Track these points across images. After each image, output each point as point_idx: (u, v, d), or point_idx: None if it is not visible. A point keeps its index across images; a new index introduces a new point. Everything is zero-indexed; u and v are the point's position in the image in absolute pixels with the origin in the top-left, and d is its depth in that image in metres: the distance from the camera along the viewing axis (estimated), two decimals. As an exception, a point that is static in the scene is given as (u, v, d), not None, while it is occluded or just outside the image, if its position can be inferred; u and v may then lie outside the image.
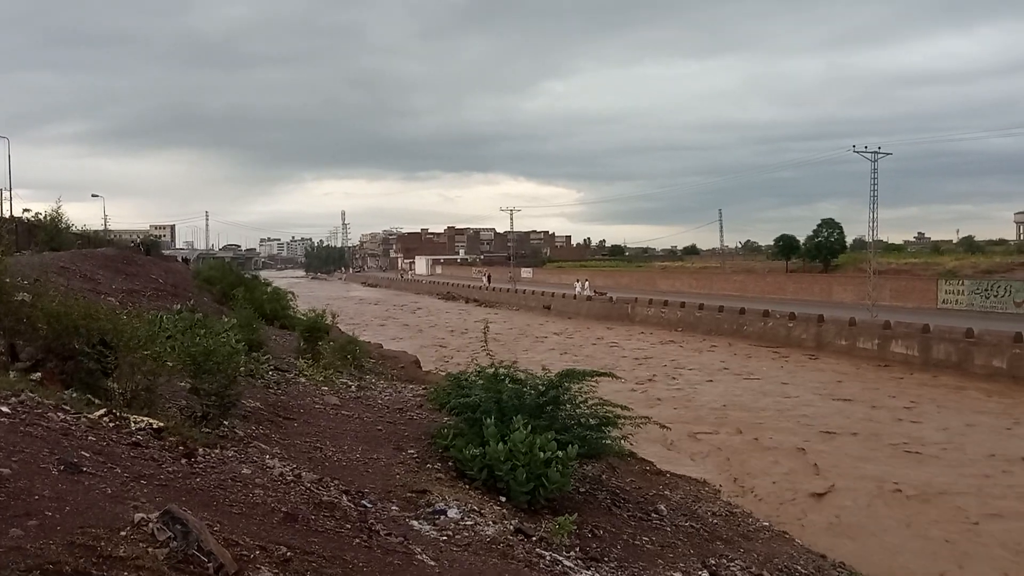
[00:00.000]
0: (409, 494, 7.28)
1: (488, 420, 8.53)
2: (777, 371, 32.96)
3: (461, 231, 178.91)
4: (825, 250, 66.29)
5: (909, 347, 35.06)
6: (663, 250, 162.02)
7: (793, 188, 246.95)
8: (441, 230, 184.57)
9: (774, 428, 21.83)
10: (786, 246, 70.56)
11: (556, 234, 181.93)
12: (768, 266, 75.06)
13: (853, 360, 35.66)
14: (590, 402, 9.71)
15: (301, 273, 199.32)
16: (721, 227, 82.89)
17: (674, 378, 30.86)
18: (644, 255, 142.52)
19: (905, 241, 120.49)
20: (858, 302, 47.53)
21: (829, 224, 66.81)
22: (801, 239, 69.47)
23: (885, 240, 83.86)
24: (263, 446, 7.64)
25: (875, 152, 43.76)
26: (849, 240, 72.32)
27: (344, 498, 6.20)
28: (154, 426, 6.16)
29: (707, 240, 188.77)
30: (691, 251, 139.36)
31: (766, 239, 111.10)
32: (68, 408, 6.03)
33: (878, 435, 20.97)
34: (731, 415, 23.68)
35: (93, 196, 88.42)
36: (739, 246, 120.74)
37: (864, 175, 62.81)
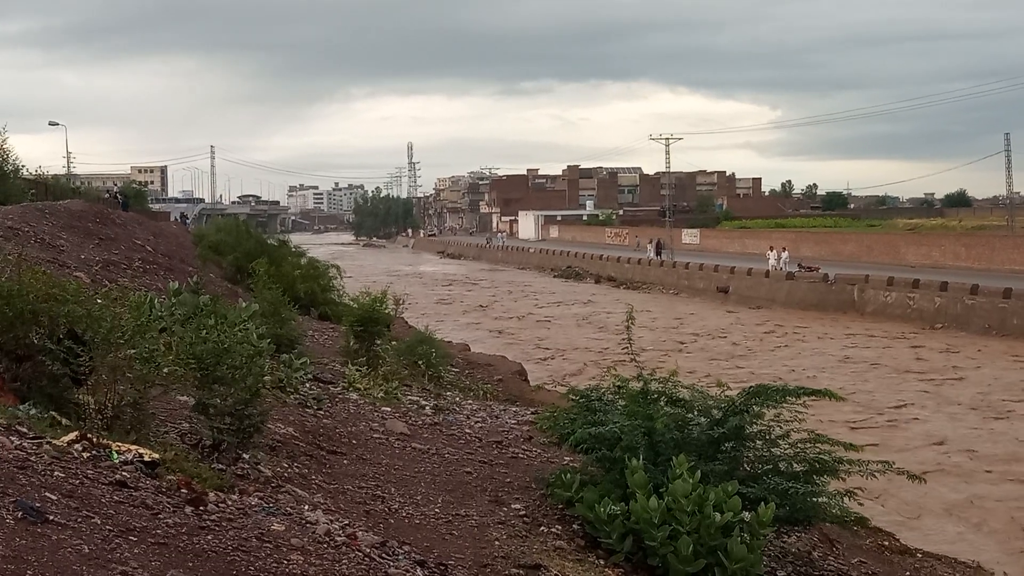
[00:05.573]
0: (515, 570, 7.38)
1: (634, 461, 8.52)
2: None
3: (588, 172, 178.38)
4: None
5: None
6: (910, 200, 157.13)
7: None
8: (558, 171, 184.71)
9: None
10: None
11: (738, 176, 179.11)
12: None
13: None
14: (793, 437, 9.56)
15: (349, 237, 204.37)
16: (1009, 163, 79.65)
17: (935, 403, 29.97)
18: (880, 208, 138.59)
19: None
20: None
21: None
22: None
23: None
24: (300, 491, 7.94)
25: None
26: None
27: (419, 571, 6.36)
28: (145, 458, 6.48)
29: (985, 184, 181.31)
30: (958, 201, 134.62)
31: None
32: (25, 430, 6.42)
33: None
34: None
35: (51, 124, 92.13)
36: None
37: None
